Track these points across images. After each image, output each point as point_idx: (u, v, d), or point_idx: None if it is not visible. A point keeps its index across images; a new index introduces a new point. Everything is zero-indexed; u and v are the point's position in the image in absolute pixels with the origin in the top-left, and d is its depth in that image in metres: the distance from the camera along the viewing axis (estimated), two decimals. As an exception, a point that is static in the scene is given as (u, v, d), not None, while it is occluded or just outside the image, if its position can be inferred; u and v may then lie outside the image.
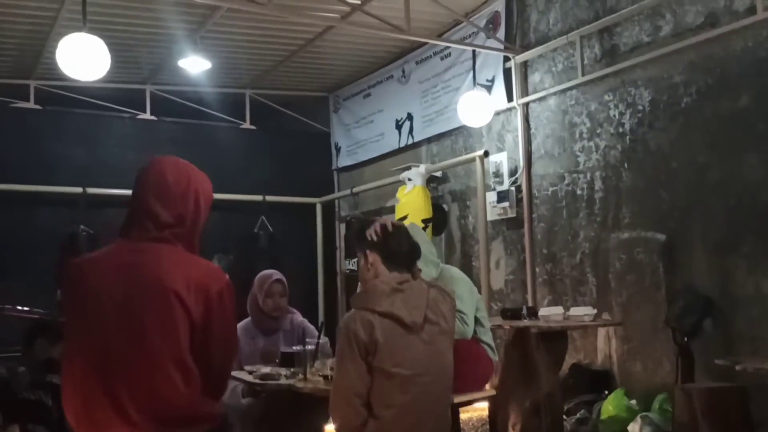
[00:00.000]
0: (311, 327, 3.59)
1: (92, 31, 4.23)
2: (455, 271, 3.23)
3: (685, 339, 4.30)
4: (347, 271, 7.77)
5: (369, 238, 2.35)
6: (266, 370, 2.81)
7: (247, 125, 8.46)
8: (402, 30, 5.40)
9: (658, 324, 4.58)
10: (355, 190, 7.94)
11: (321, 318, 8.22)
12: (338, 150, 8.75)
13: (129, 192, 8.03)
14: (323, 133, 8.87)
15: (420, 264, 3.16)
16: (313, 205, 8.50)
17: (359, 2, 5.60)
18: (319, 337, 3.09)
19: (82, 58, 4.05)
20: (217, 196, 8.68)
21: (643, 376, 4.75)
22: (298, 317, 3.68)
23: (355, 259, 7.53)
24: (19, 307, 3.39)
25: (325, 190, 8.71)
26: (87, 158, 7.38)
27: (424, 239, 3.32)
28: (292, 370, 2.82)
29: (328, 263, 8.53)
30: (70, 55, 4.06)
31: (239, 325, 3.67)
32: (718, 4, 4.40)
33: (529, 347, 4.06)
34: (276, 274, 3.69)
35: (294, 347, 3.17)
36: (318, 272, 8.42)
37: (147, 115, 7.86)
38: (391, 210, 7.24)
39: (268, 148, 8.37)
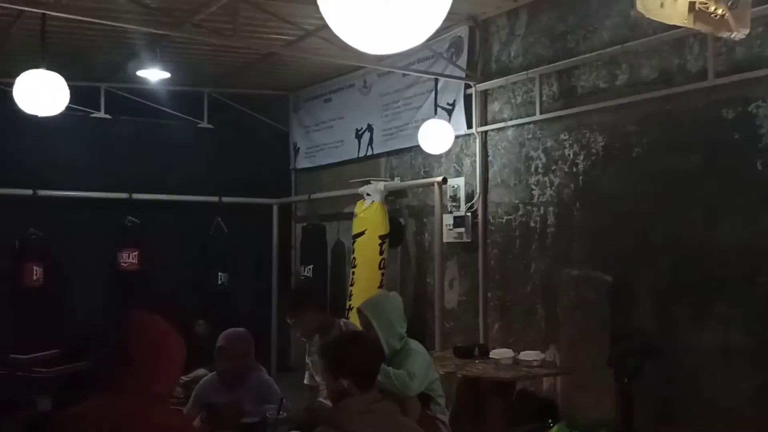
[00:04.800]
0: (273, 389, 3.65)
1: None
2: (415, 345, 3.35)
3: (626, 380, 4.54)
4: (303, 277, 7.84)
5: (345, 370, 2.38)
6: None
7: (204, 124, 8.36)
8: (364, 58, 5.42)
9: (602, 362, 4.81)
10: (313, 196, 7.98)
11: (274, 322, 8.32)
12: (297, 151, 8.75)
13: (81, 194, 7.80)
14: (282, 132, 8.85)
15: (386, 333, 3.28)
16: (270, 206, 8.52)
17: (317, 27, 5.56)
18: (278, 412, 3.16)
19: (40, 94, 3.97)
20: (173, 197, 8.59)
21: (584, 411, 4.99)
22: (264, 375, 3.73)
23: (311, 266, 7.75)
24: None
25: (282, 190, 8.73)
26: (37, 158, 7.20)
27: (398, 311, 3.43)
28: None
29: (284, 265, 8.59)
30: (28, 90, 3.97)
31: (205, 379, 3.71)
32: (672, 63, 4.56)
33: (479, 391, 4.25)
34: (224, 339, 3.65)
35: (253, 417, 3.23)
36: (273, 274, 8.48)
37: (101, 114, 7.69)
38: (349, 216, 7.32)
39: (225, 147, 8.31)
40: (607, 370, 4.70)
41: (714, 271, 4.27)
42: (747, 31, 2.69)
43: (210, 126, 8.39)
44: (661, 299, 4.57)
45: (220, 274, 7.93)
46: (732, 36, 2.65)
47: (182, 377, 5.20)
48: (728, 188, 4.23)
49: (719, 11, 2.48)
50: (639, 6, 2.38)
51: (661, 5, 2.34)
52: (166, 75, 6.15)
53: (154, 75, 6.08)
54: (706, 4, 2.43)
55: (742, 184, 4.16)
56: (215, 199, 7.98)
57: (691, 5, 2.42)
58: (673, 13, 2.38)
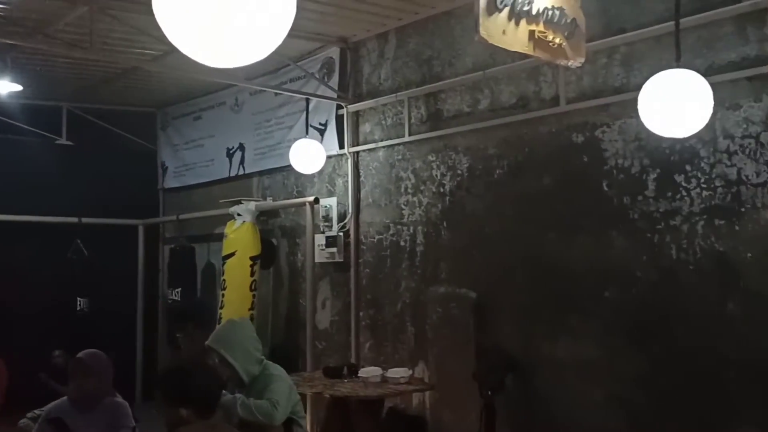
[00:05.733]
0: (126, 414, 3.47)
1: None
2: (275, 369, 3.31)
3: (489, 393, 4.70)
4: (170, 301, 7.54)
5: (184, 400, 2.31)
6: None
7: (63, 141, 7.89)
8: (234, 76, 5.33)
9: (468, 376, 4.95)
10: (181, 216, 7.71)
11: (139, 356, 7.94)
12: (165, 170, 8.46)
13: None
14: (149, 150, 8.53)
15: (243, 362, 3.20)
16: (135, 228, 8.16)
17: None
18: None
19: None
20: (27, 218, 8.08)
21: (452, 425, 5.12)
22: (118, 400, 3.54)
23: (179, 289, 7.46)
24: None
25: (150, 211, 8.39)
26: None
27: (251, 336, 3.37)
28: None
29: (150, 288, 8.23)
30: None
31: (54, 403, 3.50)
32: (528, 90, 4.83)
33: (348, 411, 4.24)
34: (83, 353, 3.49)
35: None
36: (138, 298, 8.10)
37: (-58, 128, 7.07)
38: (219, 237, 7.13)
39: (87, 165, 7.87)
40: (472, 384, 4.84)
41: (567, 287, 4.53)
42: (582, 60, 2.90)
43: (69, 143, 7.93)
44: (521, 314, 4.78)
45: (79, 299, 7.49)
46: (569, 64, 2.84)
47: (34, 410, 4.83)
48: (578, 208, 4.51)
49: (557, 41, 2.66)
50: (482, 32, 2.50)
51: (503, 32, 2.48)
52: (18, 87, 5.75)
53: (3, 87, 5.66)
54: (545, 33, 2.60)
55: (591, 204, 4.45)
56: (74, 220, 7.53)
57: (531, 33, 2.58)
58: (514, 41, 2.53)
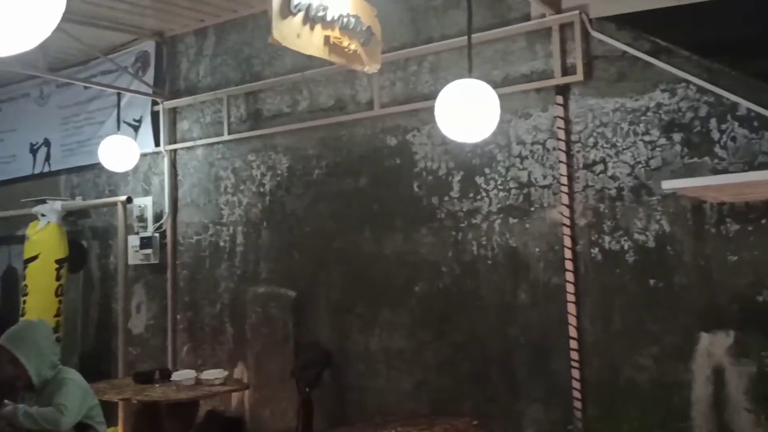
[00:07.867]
0: None
1: None
2: (69, 373, 3.16)
3: (307, 389, 4.78)
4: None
5: None
6: None
7: None
8: (35, 66, 4.97)
9: (286, 374, 4.99)
10: (-25, 217, 7.01)
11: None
12: (-44, 166, 7.63)
13: None
14: (-63, 144, 7.65)
15: (36, 364, 3.01)
16: None
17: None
18: None
19: None
20: None
21: (271, 423, 5.14)
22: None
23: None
24: None
25: (-62, 211, 7.53)
26: None
27: (47, 338, 3.17)
28: None
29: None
30: None
31: None
32: (345, 93, 4.98)
33: (159, 416, 4.11)
34: None
35: None
36: None
37: None
38: (21, 240, 6.58)
39: None
40: (291, 381, 4.90)
41: (380, 283, 4.72)
42: (378, 66, 3.05)
43: None
44: (337, 311, 4.91)
45: None
46: (365, 69, 2.98)
47: None
48: (391, 207, 4.73)
49: (352, 47, 2.78)
50: (275, 34, 2.55)
51: (298, 36, 2.55)
52: None
53: None
54: (340, 39, 2.71)
55: (403, 204, 4.68)
56: None
57: (326, 39, 2.67)
58: (309, 44, 2.61)
